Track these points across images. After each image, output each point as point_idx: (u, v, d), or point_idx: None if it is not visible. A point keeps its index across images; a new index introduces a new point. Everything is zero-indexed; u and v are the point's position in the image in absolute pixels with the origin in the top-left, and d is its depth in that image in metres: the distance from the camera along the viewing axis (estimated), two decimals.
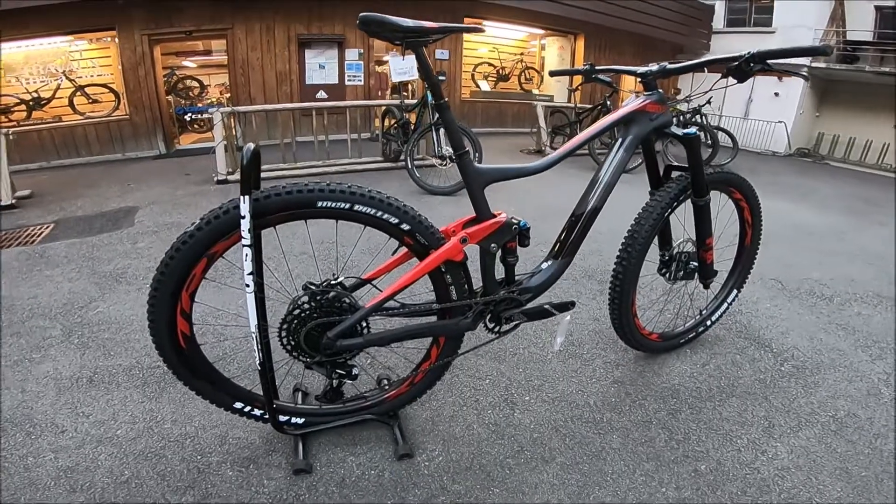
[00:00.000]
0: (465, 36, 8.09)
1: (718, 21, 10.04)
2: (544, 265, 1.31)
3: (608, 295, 1.47)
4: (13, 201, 3.79)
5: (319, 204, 0.98)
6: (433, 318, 1.24)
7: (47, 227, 3.32)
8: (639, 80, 1.37)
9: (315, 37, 6.74)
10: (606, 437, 1.35)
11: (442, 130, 4.52)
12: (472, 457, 1.26)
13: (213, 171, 4.45)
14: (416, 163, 4.26)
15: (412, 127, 4.39)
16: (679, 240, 1.59)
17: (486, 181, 1.13)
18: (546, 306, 1.27)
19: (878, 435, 1.38)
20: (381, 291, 1.11)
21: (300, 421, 1.26)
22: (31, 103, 5.97)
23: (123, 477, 1.17)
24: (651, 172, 1.50)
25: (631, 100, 1.37)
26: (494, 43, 8.76)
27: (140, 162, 5.85)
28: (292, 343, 1.09)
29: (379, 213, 1.02)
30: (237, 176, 4.50)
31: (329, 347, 1.07)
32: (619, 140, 1.34)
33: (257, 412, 1.21)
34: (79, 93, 6.08)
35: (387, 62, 9.11)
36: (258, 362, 1.03)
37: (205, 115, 6.79)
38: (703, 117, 6.00)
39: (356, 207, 1.00)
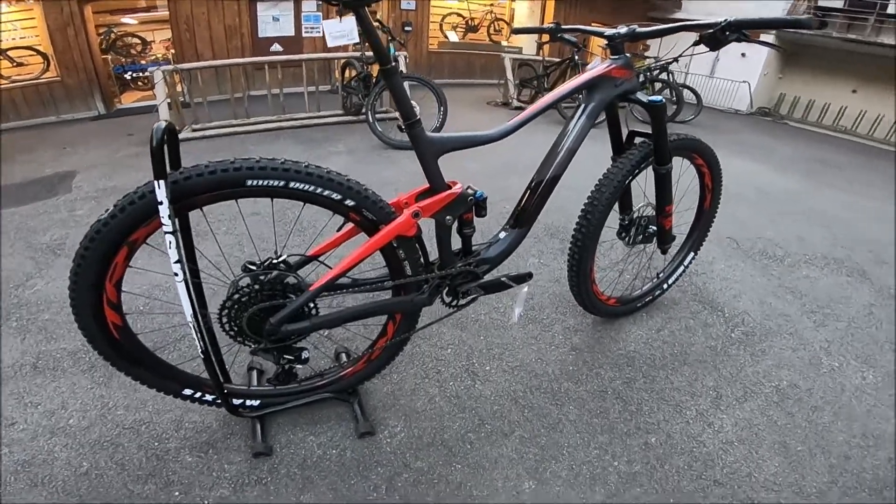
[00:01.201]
0: None
1: None
2: (502, 234, 1.27)
3: (566, 262, 1.47)
4: None
5: (249, 182, 0.89)
6: (387, 294, 1.20)
7: None
8: (605, 42, 1.30)
9: None
10: (563, 408, 1.38)
11: (406, 84, 4.33)
12: (434, 432, 1.27)
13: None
14: (378, 116, 4.08)
15: (374, 80, 4.15)
16: (639, 204, 1.58)
17: (439, 151, 1.06)
18: (503, 279, 1.25)
19: (816, 407, 1.44)
20: (329, 269, 1.05)
21: (255, 403, 1.22)
22: None
23: (82, 468, 1.14)
24: (614, 138, 1.47)
25: (595, 63, 1.32)
26: None
27: (78, 124, 5.37)
28: (234, 329, 1.03)
29: (318, 190, 0.94)
30: (186, 134, 4.21)
31: (273, 333, 1.02)
32: (582, 106, 1.29)
33: (209, 397, 1.17)
34: (1, 56, 5.45)
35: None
36: (199, 350, 0.97)
37: (146, 73, 6.23)
38: (670, 74, 5.96)
39: (291, 185, 0.91)
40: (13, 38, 5.60)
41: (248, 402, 1.21)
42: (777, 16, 1.59)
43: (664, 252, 1.71)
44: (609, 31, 1.27)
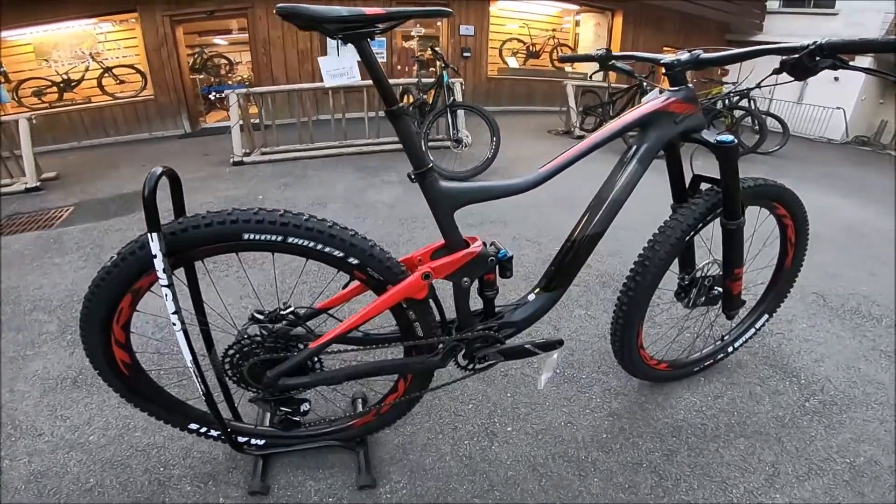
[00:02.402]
0: (493, 10, 7.69)
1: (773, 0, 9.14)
2: (531, 297, 1.14)
3: (610, 325, 1.30)
4: (38, 184, 3.90)
5: (246, 236, 0.85)
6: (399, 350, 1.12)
7: (67, 210, 3.40)
8: (663, 71, 1.13)
9: None
10: (587, 479, 1.21)
11: (460, 112, 4.33)
12: (437, 493, 1.16)
13: (229, 153, 4.45)
14: (431, 144, 4.10)
15: (429, 107, 4.20)
16: (703, 262, 1.36)
17: (456, 204, 0.95)
18: (528, 346, 1.11)
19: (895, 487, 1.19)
20: (339, 322, 0.99)
21: (260, 443, 1.19)
22: (61, 85, 6.15)
23: (88, 484, 1.18)
24: (675, 183, 1.26)
25: (652, 96, 1.14)
26: (525, 19, 8.30)
27: (165, 141, 5.95)
28: (237, 376, 1.00)
29: (318, 246, 0.88)
30: (254, 157, 4.49)
31: (270, 386, 0.99)
32: (634, 148, 1.11)
33: (214, 433, 1.15)
34: (106, 74, 6.21)
35: (414, 37, 8.88)
36: (201, 392, 0.95)
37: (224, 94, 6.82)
38: (752, 101, 5.49)
39: (290, 240, 0.86)
40: (116, 57, 6.35)
41: (253, 441, 1.18)
42: (882, 37, 1.29)
43: (730, 318, 1.48)
44: (667, 59, 1.11)
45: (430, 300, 1.01)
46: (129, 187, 3.86)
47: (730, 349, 1.58)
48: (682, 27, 8.74)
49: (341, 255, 0.90)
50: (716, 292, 1.35)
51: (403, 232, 2.79)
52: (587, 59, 1.38)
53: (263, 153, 4.62)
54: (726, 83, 6.03)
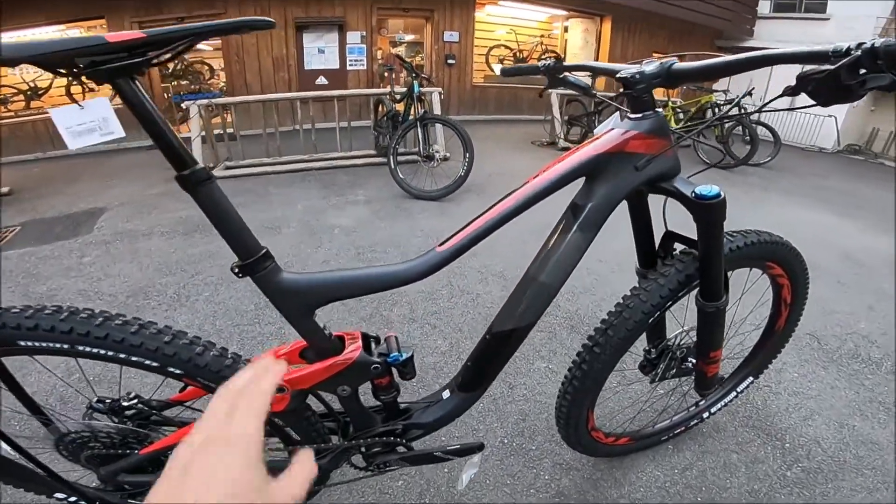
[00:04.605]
0: (480, 16, 7.50)
1: (764, 5, 9.00)
2: (445, 394, 0.90)
3: (555, 406, 1.07)
4: None
5: (23, 343, 0.62)
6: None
7: (11, 232, 3.15)
8: (621, 89, 0.81)
9: (313, 19, 6.34)
10: None
11: (437, 126, 4.09)
12: None
13: None
14: (403, 160, 3.87)
15: (401, 118, 3.97)
16: (674, 332, 1.11)
17: (310, 303, 0.70)
18: (438, 453, 0.87)
19: None
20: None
21: None
22: (28, 93, 5.89)
23: None
24: (641, 242, 0.97)
25: (607, 124, 0.83)
26: (512, 24, 8.12)
27: (132, 153, 5.69)
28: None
29: (123, 356, 0.65)
30: (217, 172, 4.24)
31: (106, 482, 0.81)
32: (575, 208, 0.80)
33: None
34: (74, 82, 5.95)
35: (403, 43, 8.65)
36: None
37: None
38: (742, 109, 5.30)
39: (83, 349, 0.63)
40: None
41: None
42: None
43: (704, 397, 1.24)
44: (628, 70, 0.79)
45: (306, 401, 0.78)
46: (81, 205, 3.63)
47: (705, 415, 1.35)
48: (672, 33, 8.59)
49: (157, 365, 0.67)
50: (689, 364, 1.11)
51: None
52: (532, 71, 1.11)
53: (228, 167, 4.38)
54: (717, 91, 5.84)
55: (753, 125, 5.23)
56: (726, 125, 5.25)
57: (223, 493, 0.26)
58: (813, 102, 0.61)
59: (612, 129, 0.81)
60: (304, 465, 0.33)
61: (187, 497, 0.26)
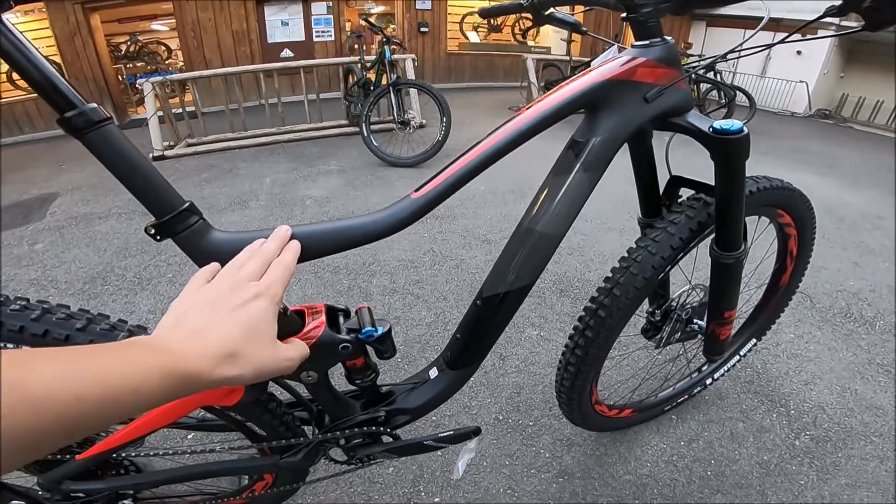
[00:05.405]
0: None
1: None
2: (433, 372, 0.77)
3: (555, 381, 0.96)
4: None
5: None
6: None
7: None
8: (623, 14, 0.68)
9: None
10: None
11: (411, 91, 3.87)
12: None
13: (149, 148, 3.89)
14: (376, 128, 3.67)
15: (373, 86, 3.74)
16: (680, 289, 1.01)
17: None
18: (429, 442, 0.75)
19: None
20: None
21: None
22: None
23: None
24: (644, 189, 0.86)
25: (606, 55, 0.74)
26: None
27: None
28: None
29: (22, 347, 0.50)
30: (178, 150, 3.94)
31: (49, 490, 0.68)
32: (577, 145, 0.69)
33: None
34: None
35: (373, 14, 8.18)
36: None
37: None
38: (718, 73, 5.25)
39: None
40: None
41: None
42: None
43: (713, 362, 1.17)
44: None
45: (268, 389, 0.64)
46: (34, 191, 3.34)
47: (708, 381, 1.28)
48: None
49: None
50: (695, 326, 1.01)
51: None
52: (516, 9, 0.94)
53: (189, 144, 4.08)
54: (691, 55, 5.76)
55: (731, 89, 5.19)
56: (702, 88, 5.20)
57: (251, 328, 0.36)
58: (857, 27, 0.54)
59: (614, 58, 0.68)
60: (299, 345, 0.44)
61: (224, 309, 0.37)
